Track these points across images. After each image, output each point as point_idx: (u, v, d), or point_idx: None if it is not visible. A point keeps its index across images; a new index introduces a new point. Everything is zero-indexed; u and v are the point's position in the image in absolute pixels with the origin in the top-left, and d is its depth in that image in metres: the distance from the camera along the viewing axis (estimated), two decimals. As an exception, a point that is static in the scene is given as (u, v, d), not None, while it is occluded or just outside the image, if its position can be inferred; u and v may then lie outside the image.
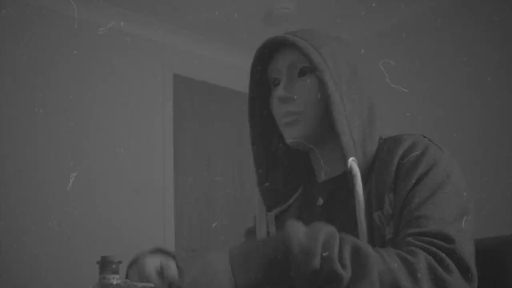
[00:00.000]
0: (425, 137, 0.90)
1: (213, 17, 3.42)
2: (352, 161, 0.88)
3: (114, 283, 0.79)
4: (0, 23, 2.93)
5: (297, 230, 0.72)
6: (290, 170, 1.06)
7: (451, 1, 3.21)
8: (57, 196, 2.98)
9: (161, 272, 0.88)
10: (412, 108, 3.31)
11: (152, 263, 0.90)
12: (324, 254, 0.69)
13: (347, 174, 0.89)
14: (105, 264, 0.80)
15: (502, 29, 2.95)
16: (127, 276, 0.93)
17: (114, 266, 0.80)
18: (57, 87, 3.11)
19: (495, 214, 2.76)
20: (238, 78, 2.54)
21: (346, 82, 0.93)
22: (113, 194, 3.19)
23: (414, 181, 0.82)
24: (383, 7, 3.42)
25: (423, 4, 3.32)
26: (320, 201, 0.97)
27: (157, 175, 3.43)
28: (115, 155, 3.19)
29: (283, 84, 0.96)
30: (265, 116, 1.04)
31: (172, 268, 0.87)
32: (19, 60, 2.99)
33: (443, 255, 0.70)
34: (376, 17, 3.54)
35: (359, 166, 0.88)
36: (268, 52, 0.99)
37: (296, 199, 1.04)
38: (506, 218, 2.70)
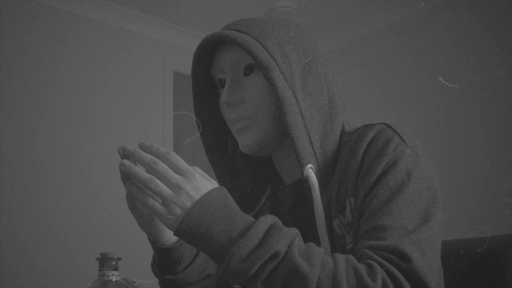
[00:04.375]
0: (390, 126, 0.81)
1: (214, 15, 3.42)
2: (309, 170, 0.80)
3: (114, 279, 0.79)
4: (2, 20, 2.93)
5: (264, 222, 0.67)
6: (255, 173, 0.97)
7: (451, 2, 3.21)
8: (57, 193, 2.98)
9: None
10: (413, 107, 3.31)
11: None
12: (268, 238, 0.65)
13: (304, 183, 0.81)
14: (104, 261, 0.80)
15: (502, 28, 2.95)
16: None
17: (113, 262, 0.80)
18: (58, 86, 3.11)
19: (495, 214, 2.77)
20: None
21: (299, 75, 0.83)
22: (113, 192, 3.18)
23: (372, 181, 0.75)
24: (384, 7, 3.42)
25: (422, 3, 3.31)
26: (287, 204, 0.90)
27: (157, 172, 3.42)
28: (115, 153, 3.18)
29: (228, 86, 0.85)
30: (216, 121, 0.95)
31: None
32: (20, 57, 2.99)
33: (400, 275, 0.66)
34: (377, 16, 3.54)
35: (319, 168, 0.81)
36: (209, 51, 0.89)
37: (266, 200, 0.96)
38: (506, 218, 2.70)
